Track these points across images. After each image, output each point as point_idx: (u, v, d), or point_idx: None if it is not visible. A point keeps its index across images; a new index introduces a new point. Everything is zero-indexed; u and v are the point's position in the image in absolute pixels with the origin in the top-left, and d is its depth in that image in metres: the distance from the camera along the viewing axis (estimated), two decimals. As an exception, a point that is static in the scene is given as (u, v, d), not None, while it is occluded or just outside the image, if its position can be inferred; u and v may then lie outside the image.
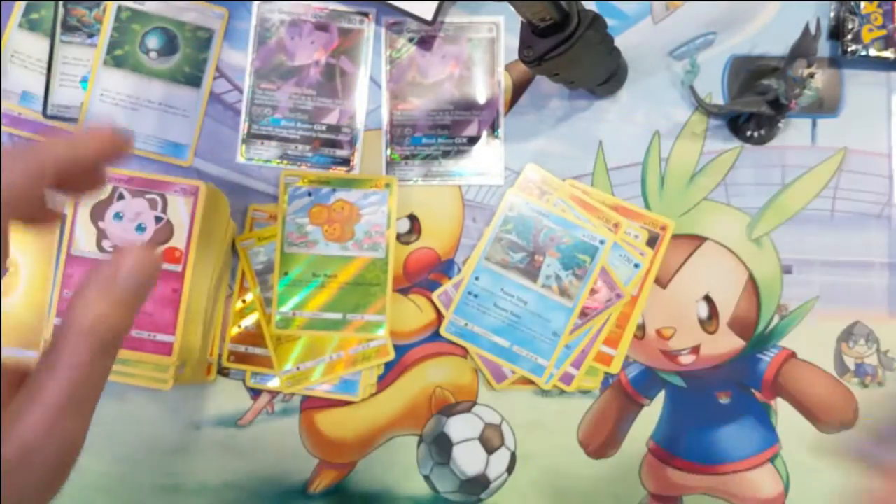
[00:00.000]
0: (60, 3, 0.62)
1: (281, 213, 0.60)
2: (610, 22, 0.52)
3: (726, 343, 0.60)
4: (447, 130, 0.62)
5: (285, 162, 0.62)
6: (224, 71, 0.63)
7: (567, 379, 0.58)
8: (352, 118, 0.62)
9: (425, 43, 0.62)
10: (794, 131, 0.61)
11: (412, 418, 0.60)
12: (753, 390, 0.59)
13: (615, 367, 0.59)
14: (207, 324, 0.58)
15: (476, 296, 0.59)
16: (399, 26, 0.63)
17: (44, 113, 0.62)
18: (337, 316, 0.59)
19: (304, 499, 0.60)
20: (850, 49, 0.59)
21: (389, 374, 0.61)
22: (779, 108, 0.58)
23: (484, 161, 0.62)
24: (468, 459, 0.59)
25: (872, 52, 0.59)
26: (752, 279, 0.60)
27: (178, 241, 0.56)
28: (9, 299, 0.60)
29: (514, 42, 0.51)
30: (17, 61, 0.62)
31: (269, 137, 0.62)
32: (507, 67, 0.62)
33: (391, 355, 0.60)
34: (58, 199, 0.33)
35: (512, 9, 0.47)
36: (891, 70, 0.61)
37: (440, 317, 0.60)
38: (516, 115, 0.62)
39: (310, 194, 0.60)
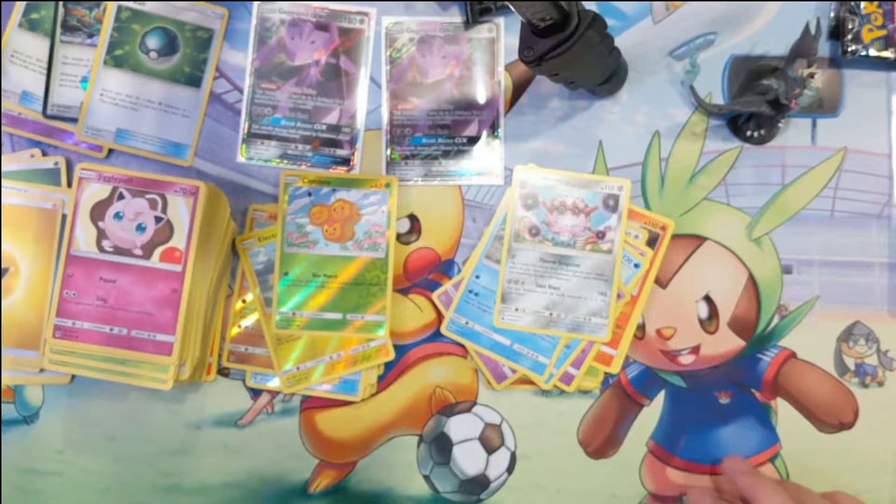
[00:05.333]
0: (60, 3, 0.62)
1: (281, 213, 0.60)
2: (610, 22, 0.52)
3: (726, 343, 0.60)
4: (447, 130, 0.62)
5: (285, 162, 0.62)
6: (224, 71, 0.63)
7: (567, 379, 0.58)
8: (352, 118, 0.62)
9: (425, 43, 0.63)
10: (794, 131, 0.61)
11: (412, 418, 0.60)
12: (753, 390, 0.59)
13: (615, 367, 0.59)
14: (207, 324, 0.58)
15: (477, 294, 0.59)
16: (399, 26, 0.63)
17: (44, 113, 0.62)
18: (337, 316, 0.59)
19: (304, 499, 0.60)
20: (850, 49, 0.59)
21: (389, 374, 0.61)
22: (779, 108, 0.58)
23: (484, 161, 0.62)
24: (468, 459, 0.59)
25: (872, 52, 0.59)
26: (752, 279, 0.60)
27: (178, 241, 0.56)
28: (9, 299, 0.60)
29: (514, 42, 0.51)
30: (17, 61, 0.62)
31: (269, 137, 0.62)
32: (507, 67, 0.62)
33: (391, 355, 0.60)
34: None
35: (512, 9, 0.47)
36: (891, 70, 0.61)
37: (440, 317, 0.60)
38: (516, 115, 0.62)
39: (310, 194, 0.60)
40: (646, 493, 0.59)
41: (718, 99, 0.62)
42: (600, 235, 0.58)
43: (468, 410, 0.60)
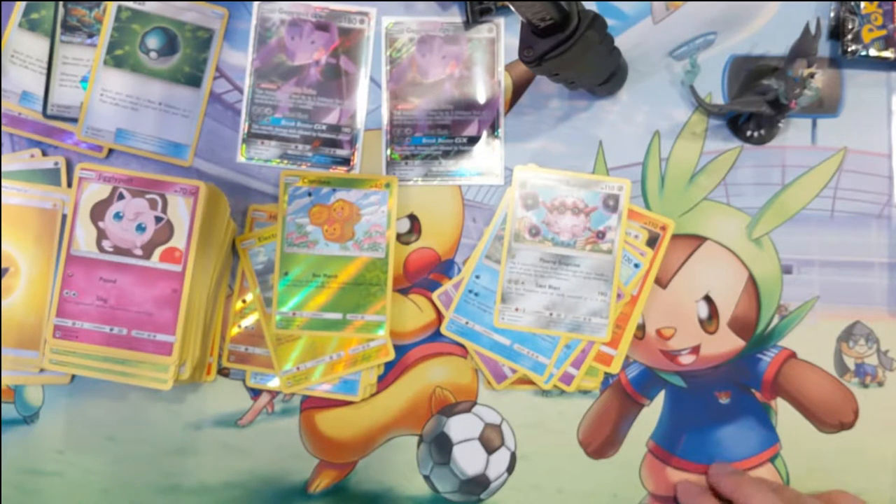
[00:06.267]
0: (60, 3, 0.62)
1: (281, 213, 0.60)
2: (610, 22, 0.52)
3: (726, 343, 0.60)
4: (447, 130, 0.62)
5: (285, 162, 0.62)
6: (224, 71, 0.63)
7: (567, 379, 0.58)
8: (352, 118, 0.62)
9: (425, 43, 0.63)
10: (794, 131, 0.61)
11: (412, 418, 0.60)
12: (753, 390, 0.59)
13: (615, 367, 0.59)
14: (207, 324, 0.58)
15: (477, 294, 0.59)
16: (399, 26, 0.63)
17: (44, 113, 0.62)
18: (337, 316, 0.59)
19: (304, 499, 0.60)
20: (850, 49, 0.59)
21: (389, 374, 0.61)
22: (779, 108, 0.58)
23: (484, 161, 0.62)
24: (468, 459, 0.59)
25: (872, 52, 0.59)
26: (752, 279, 0.60)
27: (178, 241, 0.56)
28: (9, 299, 0.60)
29: (514, 42, 0.51)
30: (17, 61, 0.62)
31: (269, 137, 0.62)
32: (507, 67, 0.62)
33: (391, 355, 0.60)
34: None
35: (512, 9, 0.47)
36: (891, 70, 0.61)
37: (440, 317, 0.60)
38: (516, 115, 0.62)
39: (310, 194, 0.60)
40: (646, 493, 0.59)
41: (718, 99, 0.62)
42: (600, 235, 0.58)
43: (468, 410, 0.60)
